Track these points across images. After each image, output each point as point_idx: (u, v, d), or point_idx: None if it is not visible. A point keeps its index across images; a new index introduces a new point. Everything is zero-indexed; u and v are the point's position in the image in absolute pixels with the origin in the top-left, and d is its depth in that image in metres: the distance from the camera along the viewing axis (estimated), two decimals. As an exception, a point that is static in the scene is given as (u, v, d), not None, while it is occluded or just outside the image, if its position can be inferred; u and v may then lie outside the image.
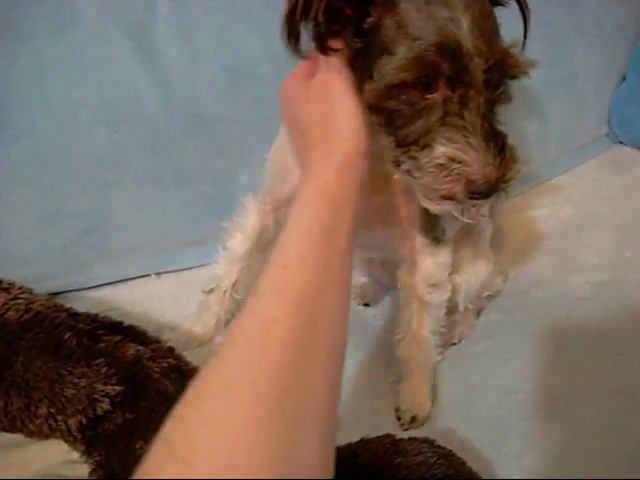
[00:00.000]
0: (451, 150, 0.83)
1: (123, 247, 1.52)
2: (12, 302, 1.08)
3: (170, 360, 1.04)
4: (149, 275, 1.56)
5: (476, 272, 1.41)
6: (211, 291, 1.37)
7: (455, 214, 0.97)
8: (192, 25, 1.45)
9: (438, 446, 0.99)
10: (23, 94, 1.39)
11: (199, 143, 1.50)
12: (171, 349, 1.08)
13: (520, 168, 0.88)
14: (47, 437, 1.00)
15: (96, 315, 1.11)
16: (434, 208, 0.93)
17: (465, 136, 0.83)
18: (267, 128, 1.16)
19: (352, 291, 1.43)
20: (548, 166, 1.94)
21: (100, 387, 0.96)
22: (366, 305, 1.54)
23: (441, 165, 0.84)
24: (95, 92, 1.41)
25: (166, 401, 0.96)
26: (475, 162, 0.82)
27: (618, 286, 1.46)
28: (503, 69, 0.87)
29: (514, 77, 0.89)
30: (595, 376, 1.21)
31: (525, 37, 1.00)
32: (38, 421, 0.98)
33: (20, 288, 1.13)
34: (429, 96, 0.84)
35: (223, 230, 1.34)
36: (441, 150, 0.84)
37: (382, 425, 1.08)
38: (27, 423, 0.99)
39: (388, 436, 1.00)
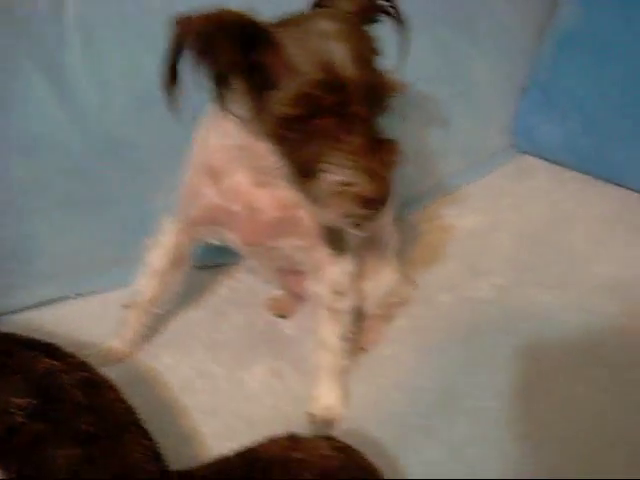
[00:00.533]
0: (341, 176, 0.92)
1: (44, 271, 1.55)
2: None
3: (83, 373, 1.07)
4: (71, 297, 1.59)
5: (381, 279, 1.48)
6: (130, 306, 1.41)
7: (352, 231, 1.07)
8: (103, 55, 1.50)
9: (337, 441, 1.05)
10: (-63, 126, 1.42)
11: (114, 167, 1.55)
12: (84, 363, 1.11)
13: (401, 160, 0.96)
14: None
15: (14, 333, 1.15)
16: (332, 223, 1.05)
17: (353, 160, 0.91)
18: (178, 153, 1.21)
19: (267, 303, 1.51)
20: (453, 177, 2.00)
21: (14, 400, 0.99)
22: (282, 317, 1.59)
23: (335, 192, 0.93)
24: (10, 122, 1.45)
25: (79, 410, 1.00)
26: (366, 182, 0.91)
27: (520, 288, 1.54)
28: (381, 93, 0.96)
29: (390, 97, 0.97)
30: (493, 371, 1.30)
31: (403, 51, 1.09)
32: None
33: None
34: (315, 124, 0.92)
35: (143, 247, 1.39)
36: (334, 178, 0.92)
37: (295, 430, 1.12)
38: None
39: (290, 435, 1.06)
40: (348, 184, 0.92)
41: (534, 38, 2.11)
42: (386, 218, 1.48)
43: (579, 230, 1.72)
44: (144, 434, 1.05)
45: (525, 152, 2.13)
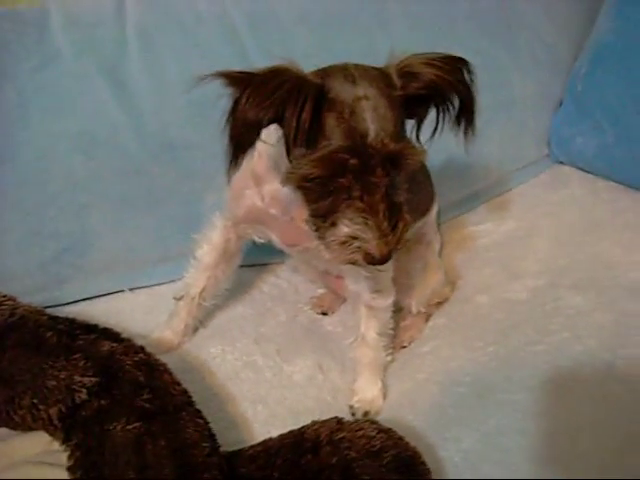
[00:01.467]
0: (352, 230, 1.02)
1: (98, 265, 1.62)
2: (-2, 306, 1.18)
3: (141, 355, 1.12)
4: (123, 290, 1.65)
5: (427, 278, 1.54)
6: (181, 298, 1.48)
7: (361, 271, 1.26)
8: (160, 61, 1.59)
9: (379, 424, 1.10)
10: (7, 125, 1.50)
11: (168, 168, 1.63)
12: (142, 347, 1.16)
13: (410, 235, 1.09)
14: (30, 429, 1.08)
15: (74, 319, 1.21)
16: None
17: (364, 217, 1.01)
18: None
19: (310, 301, 1.56)
20: (491, 186, 2.05)
21: (78, 379, 1.04)
22: (323, 314, 1.66)
23: (344, 242, 1.03)
24: (72, 122, 1.53)
25: (137, 389, 1.06)
26: (371, 240, 1.01)
27: (553, 290, 1.57)
28: (400, 159, 1.03)
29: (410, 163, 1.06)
30: (527, 368, 1.32)
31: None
32: (22, 412, 1.05)
33: (5, 296, 1.21)
34: (337, 181, 1.00)
35: (193, 242, 1.46)
36: (344, 230, 1.02)
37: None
38: (12, 414, 1.06)
39: (335, 418, 1.12)
40: (356, 238, 1.02)
41: (571, 51, 2.18)
42: (431, 218, 1.53)
43: (612, 236, 1.75)
44: (198, 414, 1.10)
45: (560, 162, 2.18)
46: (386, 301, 1.38)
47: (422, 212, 1.51)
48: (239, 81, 0.94)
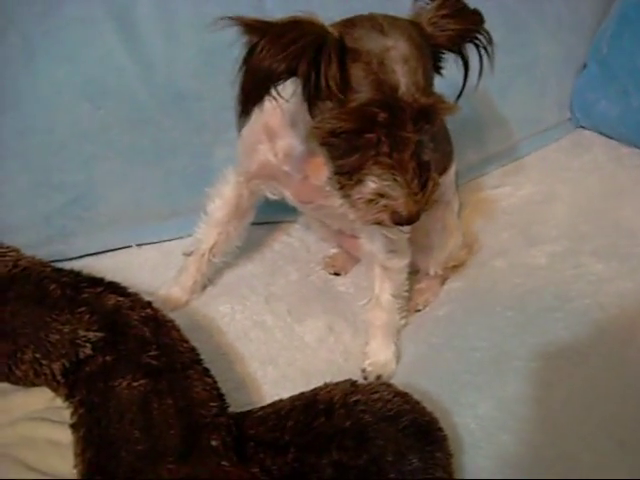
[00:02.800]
0: (379, 186, 0.97)
1: (105, 219, 1.58)
2: (0, 259, 1.14)
3: (148, 311, 1.09)
4: (130, 246, 1.62)
5: (445, 240, 1.51)
6: (190, 253, 1.45)
7: (383, 232, 1.22)
8: (171, 7, 1.52)
9: (395, 387, 1.07)
10: (11, 71, 1.45)
11: (178, 119, 1.57)
12: (149, 302, 1.13)
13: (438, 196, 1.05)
14: (32, 384, 1.05)
15: (79, 272, 1.17)
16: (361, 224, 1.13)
17: (393, 174, 0.96)
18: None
19: (322, 260, 1.53)
20: (511, 148, 2.01)
21: (82, 333, 1.02)
22: (336, 274, 1.61)
23: (371, 200, 0.99)
24: (79, 70, 1.47)
25: (144, 345, 1.03)
26: (400, 197, 0.97)
27: (573, 256, 1.54)
28: (432, 116, 0.99)
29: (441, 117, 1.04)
30: (545, 334, 1.29)
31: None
32: (24, 366, 1.03)
33: (8, 247, 1.18)
34: (365, 136, 0.96)
35: (205, 196, 1.42)
36: (371, 186, 0.98)
37: (347, 379, 1.15)
38: (14, 369, 1.04)
39: (349, 380, 1.08)
40: (384, 195, 0.98)
41: (596, 13, 2.12)
42: (449, 177, 1.49)
43: (634, 204, 1.71)
44: (206, 373, 1.07)
45: (582, 126, 2.14)
46: (401, 262, 1.34)
47: (440, 171, 1.46)
48: (256, 29, 0.90)
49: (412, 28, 0.99)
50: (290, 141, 1.18)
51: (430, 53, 1.01)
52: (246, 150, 1.29)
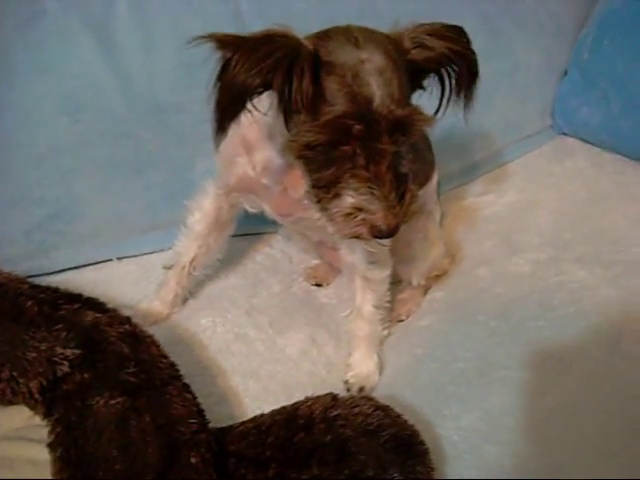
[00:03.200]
0: (357, 200, 0.96)
1: (85, 232, 1.57)
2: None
3: (127, 326, 1.08)
4: (111, 260, 1.60)
5: (428, 249, 1.50)
6: (171, 267, 1.43)
7: (363, 245, 1.21)
8: (150, 20, 1.51)
9: (376, 401, 1.06)
10: (-12, 85, 1.43)
11: (157, 132, 1.56)
12: (128, 318, 1.12)
13: (417, 207, 1.03)
14: (9, 402, 1.04)
15: (56, 288, 1.16)
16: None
17: (370, 187, 0.95)
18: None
19: (304, 272, 1.52)
20: (493, 156, 2.01)
21: (60, 350, 1.00)
22: (318, 285, 1.61)
23: (349, 214, 0.98)
24: (58, 83, 1.46)
25: (122, 362, 1.01)
26: (378, 211, 0.96)
27: (556, 263, 1.54)
28: (408, 125, 0.98)
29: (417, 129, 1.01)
30: (529, 344, 1.28)
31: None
32: (1, 385, 1.01)
33: None
34: (340, 149, 0.95)
35: (184, 209, 1.41)
36: (349, 201, 0.97)
37: (329, 392, 1.14)
38: None
39: (330, 394, 1.07)
40: (362, 209, 0.96)
41: (577, 19, 2.13)
42: (431, 187, 1.49)
43: (617, 210, 1.72)
44: (186, 389, 1.06)
45: (564, 133, 2.14)
46: (383, 273, 1.33)
47: (422, 181, 1.46)
48: (229, 44, 0.89)
49: (388, 41, 0.99)
50: (268, 154, 1.17)
51: (406, 67, 1.00)
52: (224, 163, 1.28)
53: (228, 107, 0.93)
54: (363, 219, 0.97)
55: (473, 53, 1.09)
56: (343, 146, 0.95)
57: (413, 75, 1.03)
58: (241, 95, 0.91)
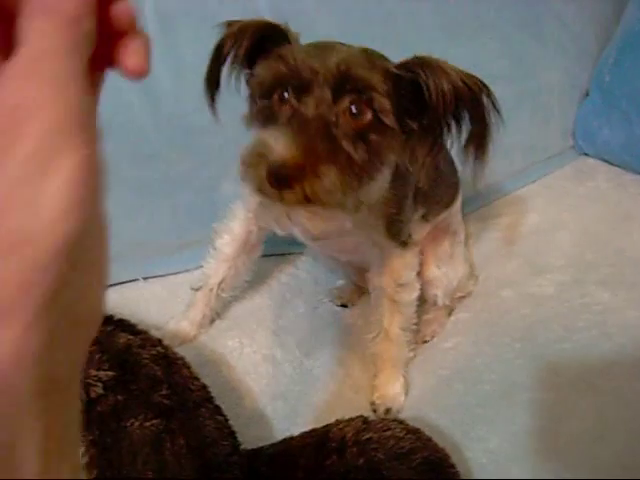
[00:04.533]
0: (262, 134, 0.89)
1: (112, 252, 1.55)
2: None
3: (159, 348, 1.09)
4: (137, 280, 1.61)
5: (454, 269, 1.51)
6: (199, 288, 1.43)
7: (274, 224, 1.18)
8: (179, 43, 1.53)
9: (407, 424, 1.07)
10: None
11: (185, 154, 1.58)
12: (159, 340, 1.13)
13: (333, 197, 0.87)
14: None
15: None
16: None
17: (283, 126, 0.90)
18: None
19: (330, 292, 1.52)
20: (515, 177, 2.01)
21: (93, 372, 1.01)
22: (344, 306, 1.61)
23: (252, 151, 0.88)
24: (88, 106, 1.47)
25: (155, 384, 1.03)
26: (278, 144, 0.85)
27: (580, 285, 1.54)
28: (348, 83, 0.92)
29: (365, 94, 0.92)
30: (554, 366, 1.29)
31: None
32: None
33: None
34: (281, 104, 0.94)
35: (213, 231, 1.42)
36: (256, 136, 0.91)
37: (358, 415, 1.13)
38: None
39: (360, 417, 1.08)
40: (266, 145, 0.86)
41: (599, 41, 2.14)
42: (455, 208, 1.50)
43: (639, 232, 1.71)
44: (218, 411, 1.07)
45: (585, 154, 2.15)
46: (411, 295, 1.33)
47: (446, 203, 1.47)
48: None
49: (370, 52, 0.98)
50: None
51: (393, 76, 0.95)
52: None
53: (209, 75, 1.04)
54: (261, 154, 0.86)
55: (483, 107, 0.96)
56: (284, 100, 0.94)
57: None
58: (215, 59, 1.01)
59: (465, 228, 1.65)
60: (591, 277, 1.56)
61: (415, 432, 1.04)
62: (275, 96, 0.95)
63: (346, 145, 0.91)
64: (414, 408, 1.31)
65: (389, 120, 0.94)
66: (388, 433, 1.02)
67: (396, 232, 1.24)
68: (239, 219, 1.38)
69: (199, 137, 1.57)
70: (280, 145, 0.84)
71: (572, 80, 2.11)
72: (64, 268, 0.34)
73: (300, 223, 0.96)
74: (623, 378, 1.25)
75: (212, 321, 1.47)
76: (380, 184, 1.08)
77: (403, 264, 1.29)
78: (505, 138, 1.93)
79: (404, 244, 1.27)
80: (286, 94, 0.93)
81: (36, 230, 0.33)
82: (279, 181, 0.84)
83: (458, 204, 1.54)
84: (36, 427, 0.34)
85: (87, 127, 0.37)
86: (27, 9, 0.36)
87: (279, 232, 1.35)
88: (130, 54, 0.43)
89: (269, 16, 1.58)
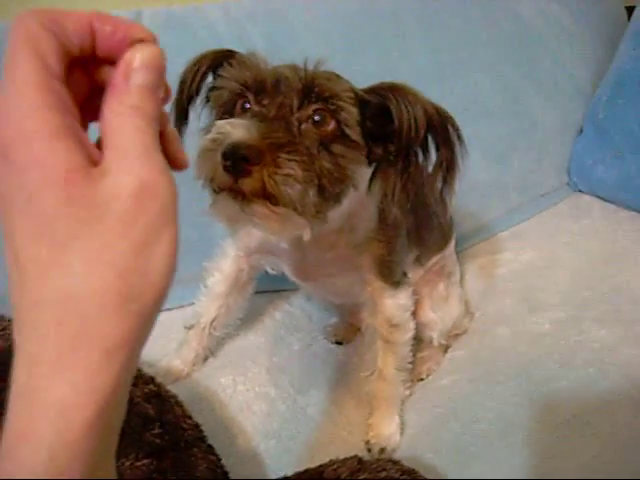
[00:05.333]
0: (221, 123, 0.83)
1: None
2: (1, 332, 1.13)
3: (151, 386, 1.08)
4: (131, 315, 1.58)
5: (449, 311, 1.49)
6: (191, 327, 1.42)
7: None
8: (173, 77, 1.52)
9: (402, 465, 1.05)
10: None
11: (178, 188, 1.55)
12: (152, 377, 1.12)
13: (293, 191, 0.82)
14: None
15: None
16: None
17: (242, 119, 0.85)
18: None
19: (324, 330, 1.51)
20: (510, 214, 2.02)
21: None
22: (338, 343, 1.59)
23: (208, 140, 0.84)
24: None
25: (147, 423, 1.01)
26: (237, 129, 0.80)
27: (576, 322, 1.53)
28: (313, 92, 0.89)
29: (331, 104, 0.90)
30: (550, 405, 1.28)
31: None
32: None
33: (9, 320, 1.17)
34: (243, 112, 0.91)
35: (204, 269, 1.41)
36: (217, 124, 0.84)
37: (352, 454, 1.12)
38: None
39: (355, 457, 1.06)
40: (223, 133, 0.81)
41: (592, 79, 2.17)
42: (449, 249, 1.50)
43: (635, 268, 1.71)
44: (211, 450, 1.06)
45: (580, 190, 2.16)
46: (404, 336, 1.31)
47: (439, 247, 1.48)
48: None
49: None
50: None
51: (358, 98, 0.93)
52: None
53: (177, 110, 1.02)
54: (218, 141, 0.81)
55: (448, 137, 0.93)
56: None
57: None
58: (179, 94, 1.00)
59: (460, 265, 1.65)
60: (587, 314, 1.55)
61: (410, 473, 1.02)
62: (237, 107, 0.93)
63: (309, 146, 0.87)
64: (409, 447, 1.30)
65: (354, 133, 0.92)
66: (383, 474, 1.00)
67: (387, 273, 1.23)
68: (230, 257, 1.38)
69: (191, 171, 1.54)
70: (239, 129, 0.80)
71: (566, 117, 2.13)
72: (155, 316, 0.47)
73: (255, 223, 0.87)
74: (620, 417, 1.24)
75: (205, 359, 1.46)
76: (346, 206, 1.03)
77: (396, 305, 1.26)
78: (500, 175, 1.97)
79: (397, 284, 1.26)
80: (248, 105, 0.91)
81: (144, 290, 0.43)
82: (235, 166, 0.79)
83: (452, 246, 1.54)
84: None
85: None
86: (114, 104, 0.45)
87: (270, 271, 1.34)
88: (178, 152, 0.53)
89: (265, 54, 1.61)
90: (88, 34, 0.46)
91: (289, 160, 0.81)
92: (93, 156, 0.43)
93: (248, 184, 0.80)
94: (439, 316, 1.47)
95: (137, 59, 0.45)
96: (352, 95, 0.92)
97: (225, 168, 0.80)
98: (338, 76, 0.94)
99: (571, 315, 1.57)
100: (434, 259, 1.46)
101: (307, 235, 0.91)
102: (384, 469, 1.02)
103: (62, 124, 0.41)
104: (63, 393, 0.40)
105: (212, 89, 1.00)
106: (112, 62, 0.47)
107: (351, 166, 0.93)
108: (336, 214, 1.01)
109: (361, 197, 1.05)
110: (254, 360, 1.48)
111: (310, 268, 1.23)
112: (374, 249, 1.17)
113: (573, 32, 2.14)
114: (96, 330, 0.41)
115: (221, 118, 0.91)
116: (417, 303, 1.32)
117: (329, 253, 1.17)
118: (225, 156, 0.78)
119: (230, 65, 0.95)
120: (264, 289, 1.61)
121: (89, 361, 0.41)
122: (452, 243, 1.53)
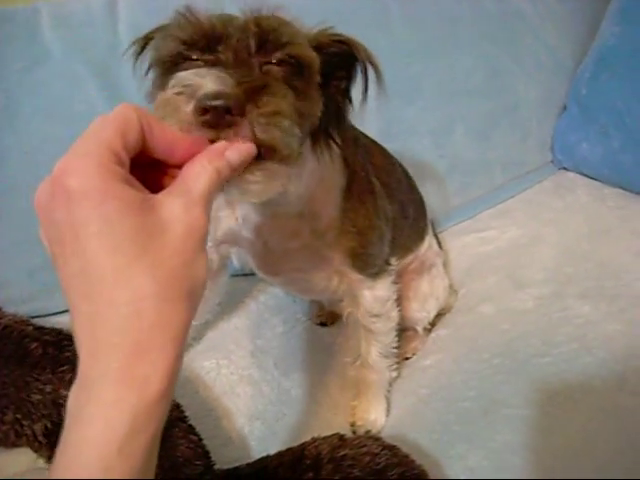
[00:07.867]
0: (185, 74, 0.73)
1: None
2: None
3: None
4: (114, 301, 1.58)
5: (436, 303, 1.51)
6: None
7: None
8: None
9: (383, 441, 1.05)
10: (-6, 128, 1.44)
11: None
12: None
13: (285, 129, 0.74)
14: (13, 445, 1.04)
15: (61, 329, 1.16)
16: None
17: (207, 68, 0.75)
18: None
19: (309, 311, 1.49)
20: (495, 191, 2.02)
21: (64, 393, 1.00)
22: (322, 325, 1.59)
23: (169, 93, 0.72)
24: (62, 126, 1.46)
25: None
26: (207, 80, 0.70)
27: (560, 298, 1.54)
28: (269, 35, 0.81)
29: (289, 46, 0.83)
30: (534, 381, 1.28)
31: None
32: (5, 427, 1.01)
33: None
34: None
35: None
36: (178, 76, 0.73)
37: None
38: None
39: (337, 434, 1.06)
40: (192, 84, 0.71)
41: (575, 56, 2.15)
42: (424, 246, 1.51)
43: (619, 244, 1.72)
44: (191, 430, 1.06)
45: (564, 168, 2.16)
46: (387, 325, 1.28)
47: (409, 248, 1.46)
48: None
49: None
50: (247, 205, 1.09)
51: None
52: (211, 219, 1.24)
53: None
54: (189, 93, 0.70)
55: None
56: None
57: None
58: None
59: (445, 243, 1.64)
60: (571, 290, 1.56)
61: (391, 448, 1.03)
62: (182, 61, 0.81)
63: (278, 85, 0.79)
64: (394, 427, 1.30)
65: (315, 73, 0.88)
66: (364, 450, 1.01)
67: (362, 265, 1.18)
68: None
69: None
70: (211, 78, 0.70)
71: (549, 95, 2.12)
72: (196, 311, 0.60)
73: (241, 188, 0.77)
74: (605, 393, 1.24)
75: (189, 344, 1.46)
76: (305, 185, 1.03)
77: (374, 296, 1.23)
78: (484, 153, 1.96)
79: (375, 275, 1.22)
80: (195, 55, 0.80)
81: (193, 290, 0.59)
82: (218, 118, 0.68)
83: (426, 243, 1.51)
84: None
85: None
86: (204, 160, 0.63)
87: (236, 264, 1.32)
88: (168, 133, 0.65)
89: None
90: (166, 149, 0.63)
91: (270, 101, 0.73)
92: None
93: (234, 136, 0.70)
94: (424, 315, 1.48)
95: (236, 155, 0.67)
96: (309, 40, 0.89)
97: (204, 124, 0.69)
98: (288, 21, 0.88)
99: (555, 291, 1.57)
100: (408, 259, 1.46)
101: (285, 187, 0.84)
102: (365, 445, 1.02)
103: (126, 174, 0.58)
104: (145, 371, 0.53)
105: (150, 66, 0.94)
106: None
107: (315, 105, 0.90)
108: (293, 196, 1.01)
109: (321, 175, 1.05)
110: (238, 343, 1.48)
111: (275, 260, 1.19)
112: (344, 241, 1.13)
113: (555, 9, 2.12)
114: (166, 320, 0.55)
115: (164, 83, 0.79)
116: (402, 304, 1.32)
117: (292, 242, 1.13)
118: (204, 110, 0.68)
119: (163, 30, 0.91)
120: (247, 272, 1.60)
121: (162, 345, 0.54)
122: (426, 242, 1.51)
